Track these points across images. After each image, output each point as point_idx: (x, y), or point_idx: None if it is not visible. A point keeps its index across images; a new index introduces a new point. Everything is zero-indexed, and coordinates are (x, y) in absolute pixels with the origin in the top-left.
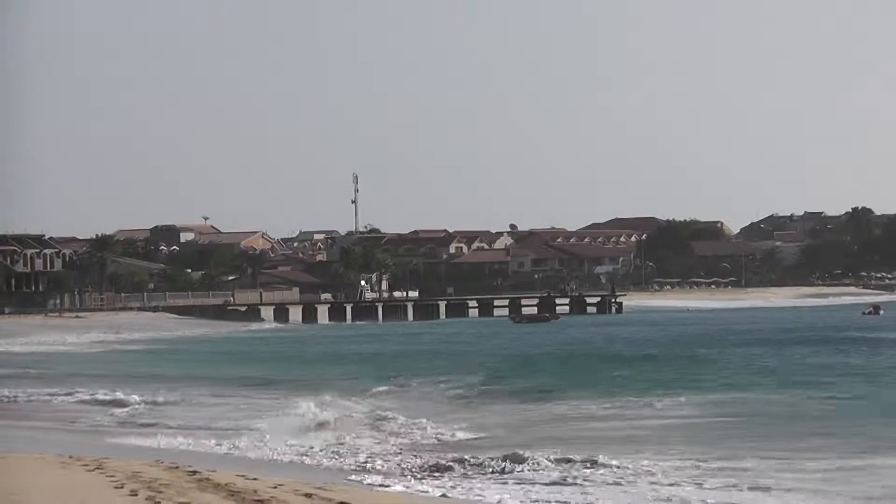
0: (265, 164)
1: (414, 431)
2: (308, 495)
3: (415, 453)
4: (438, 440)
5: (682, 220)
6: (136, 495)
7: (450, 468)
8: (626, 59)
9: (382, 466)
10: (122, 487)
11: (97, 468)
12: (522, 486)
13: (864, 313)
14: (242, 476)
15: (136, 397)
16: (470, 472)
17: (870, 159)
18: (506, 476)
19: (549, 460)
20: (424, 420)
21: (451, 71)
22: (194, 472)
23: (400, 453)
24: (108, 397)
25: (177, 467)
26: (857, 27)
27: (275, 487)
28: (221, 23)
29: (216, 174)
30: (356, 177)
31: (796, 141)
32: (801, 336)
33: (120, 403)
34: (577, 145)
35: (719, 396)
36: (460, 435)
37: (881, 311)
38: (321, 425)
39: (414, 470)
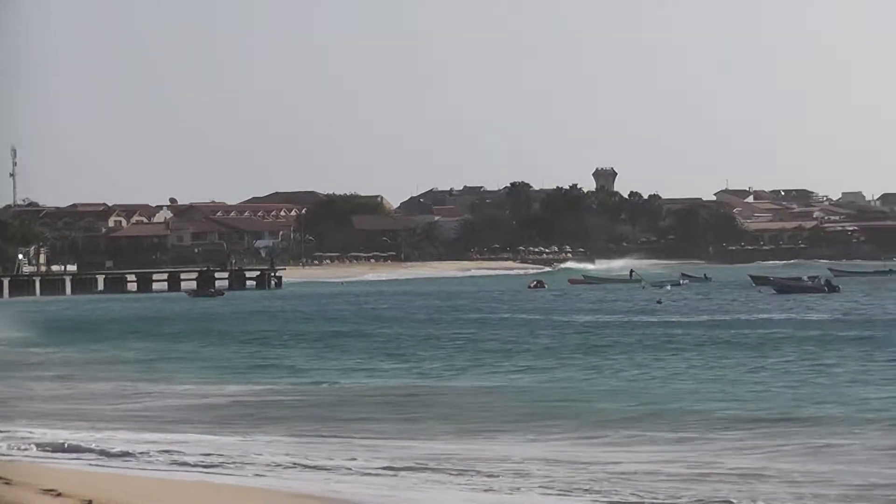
0: None
1: None
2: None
3: None
4: None
5: (342, 194)
6: None
7: None
8: (299, 31)
9: None
10: None
11: None
12: None
13: (529, 286)
14: None
15: None
16: None
17: (529, 135)
18: None
19: None
20: None
21: (115, 37)
22: None
23: None
24: None
25: None
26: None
27: None
28: None
29: None
30: (14, 150)
31: (451, 117)
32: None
33: None
34: (237, 117)
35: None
36: None
37: (545, 285)
38: None
39: None
